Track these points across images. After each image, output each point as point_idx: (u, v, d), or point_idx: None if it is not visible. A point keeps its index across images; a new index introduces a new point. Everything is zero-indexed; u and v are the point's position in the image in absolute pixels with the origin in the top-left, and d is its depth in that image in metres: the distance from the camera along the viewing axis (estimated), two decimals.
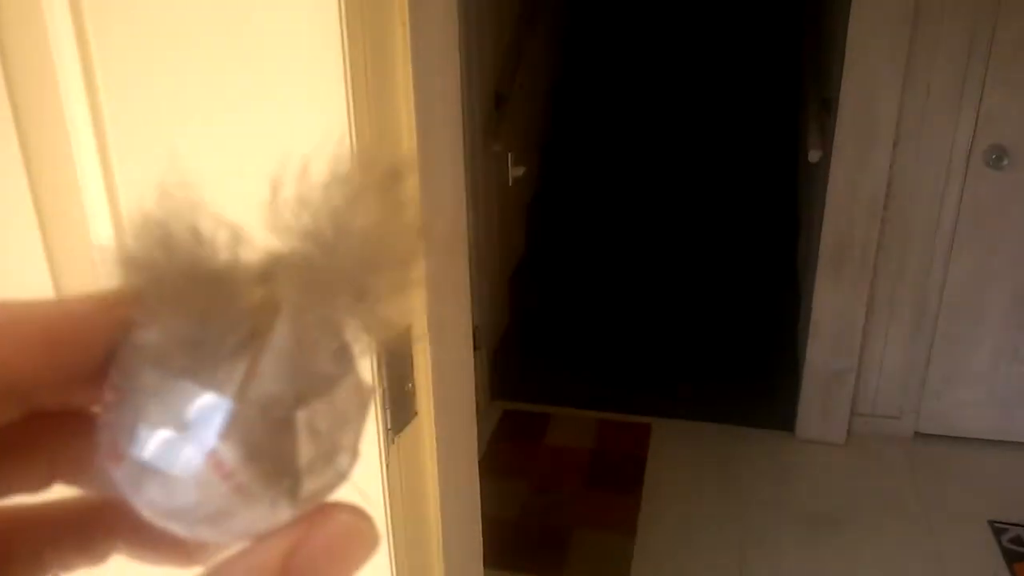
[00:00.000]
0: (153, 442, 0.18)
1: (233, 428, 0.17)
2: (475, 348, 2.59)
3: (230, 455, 0.17)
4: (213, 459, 0.17)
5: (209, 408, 0.17)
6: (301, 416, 0.18)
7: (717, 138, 3.21)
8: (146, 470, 0.18)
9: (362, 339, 0.19)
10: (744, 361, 2.73)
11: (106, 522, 0.21)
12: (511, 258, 2.95)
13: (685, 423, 2.63)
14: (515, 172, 2.85)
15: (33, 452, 0.21)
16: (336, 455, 0.19)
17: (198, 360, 0.18)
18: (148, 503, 0.18)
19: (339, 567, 0.19)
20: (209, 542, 0.19)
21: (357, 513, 0.19)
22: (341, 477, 0.19)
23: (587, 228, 3.06)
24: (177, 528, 0.19)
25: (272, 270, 0.18)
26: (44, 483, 0.21)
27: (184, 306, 0.18)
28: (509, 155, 2.79)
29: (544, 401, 2.73)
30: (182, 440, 0.18)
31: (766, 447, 2.51)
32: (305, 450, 0.18)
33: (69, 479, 0.21)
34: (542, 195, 3.22)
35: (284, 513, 0.19)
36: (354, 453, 0.20)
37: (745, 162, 3.15)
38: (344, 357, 0.19)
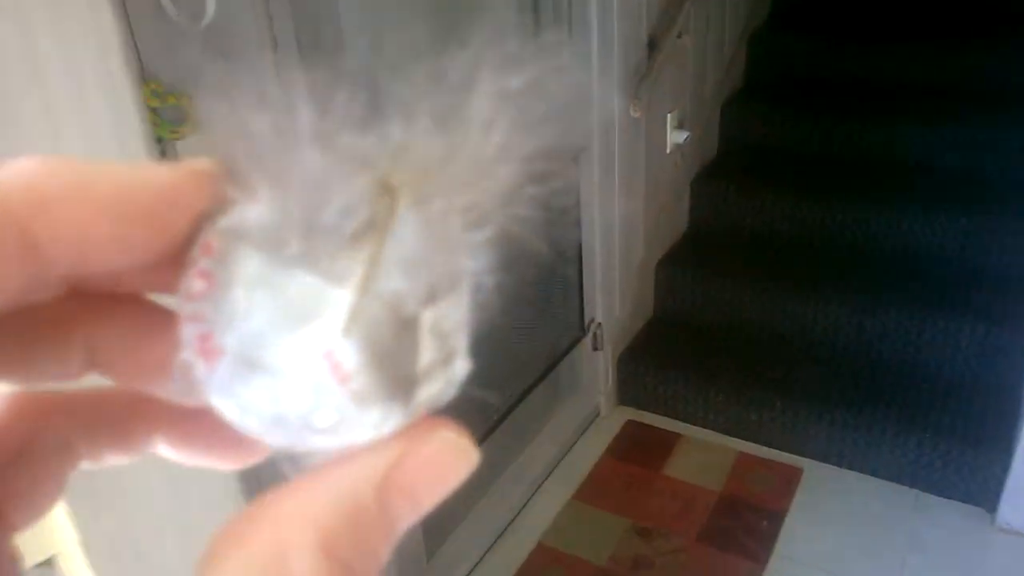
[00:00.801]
0: (262, 337, 0.15)
1: (355, 326, 0.15)
2: (596, 348, 2.25)
3: (350, 356, 0.15)
4: (331, 360, 0.15)
5: (329, 302, 0.15)
6: (427, 316, 0.16)
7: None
8: (250, 369, 0.16)
9: (492, 230, 0.16)
10: (945, 409, 2.10)
11: (148, 415, 0.20)
12: (664, 240, 2.50)
13: (849, 474, 2.10)
14: (676, 138, 2.37)
15: (71, 336, 0.18)
16: (453, 360, 0.17)
17: (314, 246, 0.15)
18: (247, 407, 0.16)
19: (439, 485, 0.17)
20: (306, 450, 0.17)
21: (458, 430, 0.18)
22: (453, 385, 0.18)
23: (771, 210, 2.50)
24: (277, 435, 0.17)
25: (383, 151, 0.16)
26: (81, 371, 0.19)
27: (294, 183, 0.15)
28: (668, 116, 2.31)
29: (677, 416, 2.31)
30: (295, 336, 0.15)
31: (952, 527, 1.93)
32: (426, 354, 0.16)
33: (110, 370, 0.19)
34: (718, 164, 2.69)
35: (394, 423, 0.17)
36: (467, 358, 0.18)
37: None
38: (475, 250, 0.17)
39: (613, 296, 2.25)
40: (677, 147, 2.39)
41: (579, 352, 2.21)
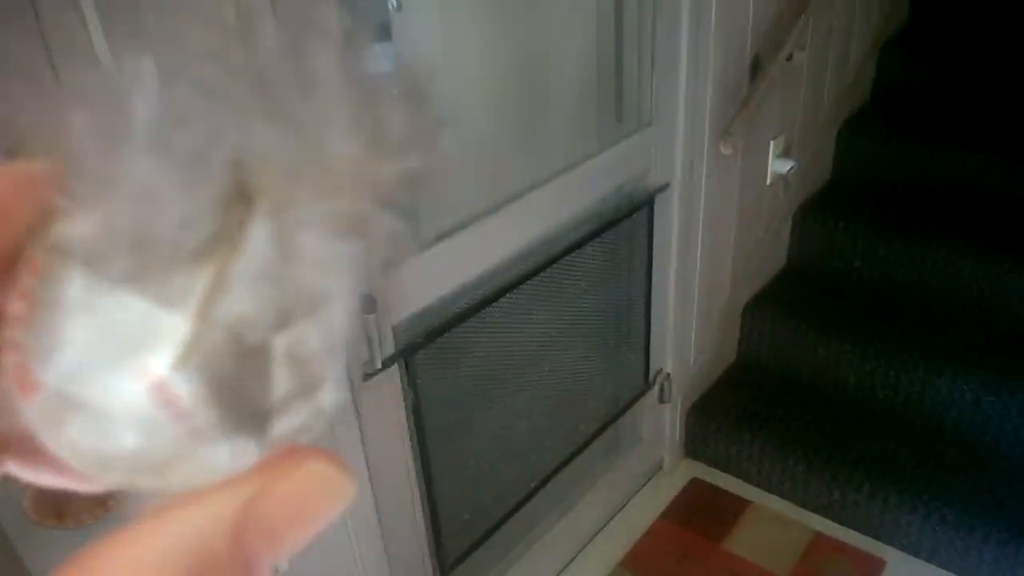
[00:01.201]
0: (81, 370, 0.14)
1: (190, 356, 0.14)
2: (663, 400, 2.04)
3: (185, 390, 0.14)
4: (162, 395, 0.14)
5: (160, 329, 0.14)
6: (279, 342, 0.14)
7: None
8: (70, 405, 0.14)
9: (357, 244, 0.15)
10: None
11: None
12: (755, 278, 2.24)
13: (940, 573, 1.83)
14: (778, 167, 2.10)
15: None
16: (316, 389, 0.15)
17: (145, 264, 0.14)
18: (71, 446, 0.15)
19: (304, 521, 0.16)
20: (147, 491, 0.15)
21: (331, 461, 0.16)
22: (319, 415, 0.16)
23: (885, 253, 2.19)
24: (109, 476, 0.15)
25: (239, 156, 0.14)
26: None
27: (126, 191, 0.13)
28: (771, 144, 2.04)
29: (750, 479, 2.08)
30: (121, 369, 0.14)
31: None
32: (280, 384, 0.15)
33: None
34: (827, 194, 2.38)
35: (246, 459, 0.15)
36: (335, 386, 0.16)
37: None
38: (336, 268, 0.15)
39: (687, 343, 2.03)
40: (780, 177, 2.11)
41: (643, 403, 2.01)
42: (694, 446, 2.16)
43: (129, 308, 0.14)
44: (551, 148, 1.72)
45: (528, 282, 1.47)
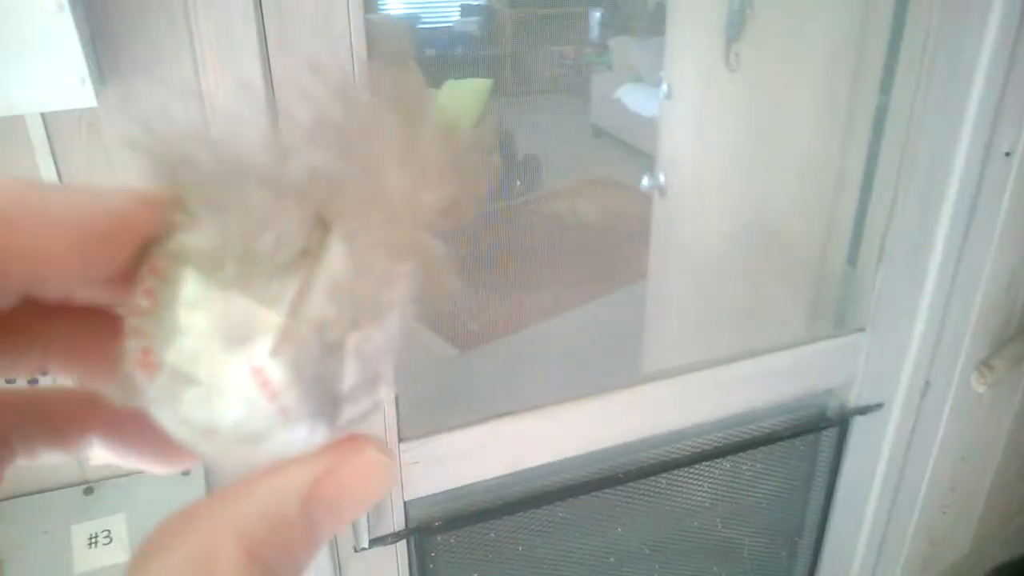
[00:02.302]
0: (198, 354, 0.17)
1: (283, 347, 0.17)
2: None
3: (278, 375, 0.17)
4: (260, 377, 0.17)
5: (261, 323, 0.17)
6: (351, 341, 0.17)
7: None
8: (186, 383, 0.17)
9: (413, 265, 0.18)
10: None
11: (84, 414, 0.21)
12: (1013, 540, 1.65)
13: None
14: None
15: (26, 338, 0.20)
16: (377, 384, 0.19)
17: (249, 271, 0.17)
18: (182, 418, 0.18)
19: (361, 500, 0.19)
20: (236, 463, 0.18)
21: (382, 449, 0.19)
22: (377, 407, 0.19)
23: None
24: (208, 446, 0.18)
25: (318, 186, 0.17)
26: (32, 371, 0.20)
27: (235, 211, 0.17)
28: None
29: None
30: (229, 353, 0.17)
31: None
32: (350, 377, 0.18)
33: (63, 371, 0.21)
34: None
35: (320, 438, 0.18)
36: (390, 383, 0.19)
37: None
38: (394, 282, 0.18)
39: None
40: None
41: None
42: None
43: (237, 305, 0.16)
44: (721, 322, 1.39)
45: (630, 483, 1.18)
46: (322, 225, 0.17)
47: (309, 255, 0.17)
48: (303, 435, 0.17)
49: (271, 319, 0.16)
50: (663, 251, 1.86)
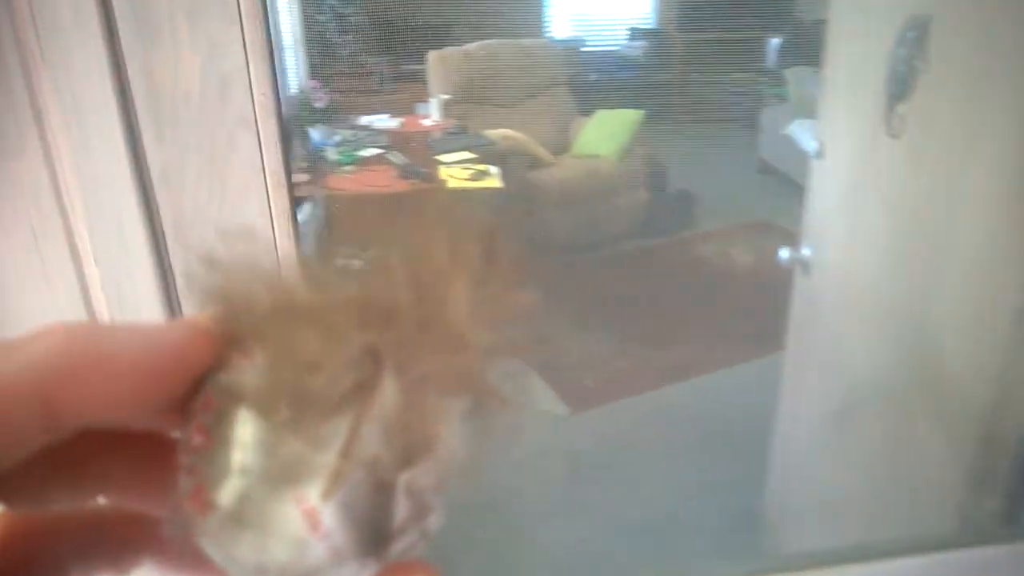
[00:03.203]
0: (250, 496, 0.17)
1: (334, 488, 0.17)
2: None
3: (329, 516, 0.17)
4: (311, 519, 0.17)
5: (311, 465, 0.17)
6: (403, 478, 0.18)
7: None
8: (238, 525, 0.17)
9: (464, 399, 0.18)
10: None
11: (139, 537, 0.22)
12: None
13: None
14: None
15: (88, 469, 0.21)
16: (428, 515, 0.19)
17: (301, 412, 0.17)
18: (232, 557, 0.18)
19: None
20: None
21: (430, 571, 0.19)
22: (427, 537, 0.19)
23: None
24: None
25: (371, 319, 0.17)
26: (88, 497, 0.21)
27: (287, 349, 0.17)
28: None
29: None
30: (281, 496, 0.17)
31: None
32: (401, 513, 0.18)
33: (120, 498, 0.21)
34: None
35: (368, 573, 0.18)
36: (442, 512, 0.19)
37: None
38: (447, 417, 0.18)
39: None
40: None
41: None
42: None
43: (289, 447, 0.17)
44: (857, 467, 1.11)
45: None
46: (375, 358, 0.17)
47: (363, 389, 0.17)
48: (352, 572, 0.18)
49: (323, 460, 0.16)
50: (801, 334, 1.58)
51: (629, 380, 2.75)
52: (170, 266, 0.61)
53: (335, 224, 2.75)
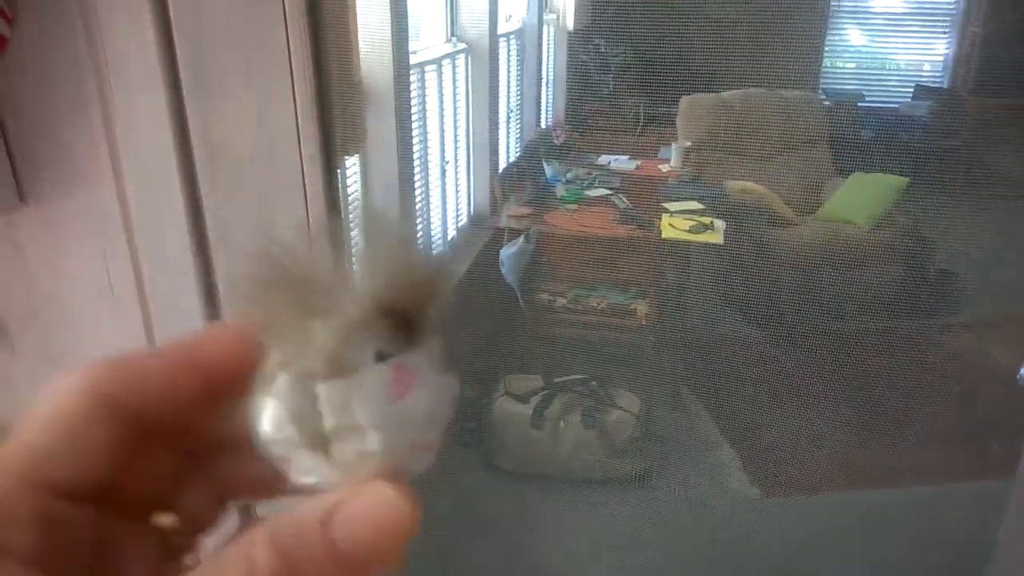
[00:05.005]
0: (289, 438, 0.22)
1: (285, 397, 0.21)
2: None
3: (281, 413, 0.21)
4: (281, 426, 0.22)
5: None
6: (322, 389, 0.21)
7: None
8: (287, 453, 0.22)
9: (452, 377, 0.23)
10: None
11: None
12: None
13: None
14: None
15: (208, 484, 0.25)
16: (363, 432, 0.21)
17: (333, 371, 0.21)
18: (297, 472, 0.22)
19: (373, 526, 0.20)
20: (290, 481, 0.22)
21: (398, 491, 0.21)
22: (372, 454, 0.21)
23: None
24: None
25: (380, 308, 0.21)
26: (223, 505, 0.25)
27: (305, 342, 0.21)
28: None
29: None
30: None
31: None
32: (329, 419, 0.21)
33: (239, 497, 0.26)
34: None
35: (325, 471, 0.21)
36: (377, 432, 0.21)
37: None
38: (364, 349, 0.21)
39: None
40: None
41: None
42: None
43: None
44: None
45: None
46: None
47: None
48: (308, 464, 0.21)
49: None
50: None
51: (837, 472, 2.46)
52: (217, 291, 0.64)
53: (542, 260, 2.78)
